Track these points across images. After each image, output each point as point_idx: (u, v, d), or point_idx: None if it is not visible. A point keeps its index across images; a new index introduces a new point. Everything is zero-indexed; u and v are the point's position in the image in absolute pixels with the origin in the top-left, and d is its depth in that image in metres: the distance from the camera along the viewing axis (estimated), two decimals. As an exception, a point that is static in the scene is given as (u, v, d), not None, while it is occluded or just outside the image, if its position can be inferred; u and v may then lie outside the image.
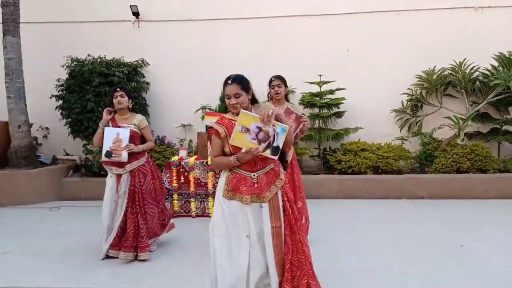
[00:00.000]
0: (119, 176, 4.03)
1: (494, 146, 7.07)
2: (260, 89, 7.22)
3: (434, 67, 7.05)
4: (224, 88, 2.62)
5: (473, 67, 6.82)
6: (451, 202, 6.09)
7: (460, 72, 6.87)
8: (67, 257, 4.08)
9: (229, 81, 2.57)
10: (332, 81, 7.05)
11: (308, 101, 7.08)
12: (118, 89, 4.09)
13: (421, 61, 7.25)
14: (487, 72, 6.75)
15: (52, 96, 7.18)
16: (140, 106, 7.27)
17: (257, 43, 7.66)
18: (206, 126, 4.80)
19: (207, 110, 7.26)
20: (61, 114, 7.13)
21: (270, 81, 4.13)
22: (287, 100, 4.26)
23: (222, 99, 7.26)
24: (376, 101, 7.42)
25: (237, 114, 2.53)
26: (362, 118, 7.31)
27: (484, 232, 4.63)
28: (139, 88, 7.37)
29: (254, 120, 2.52)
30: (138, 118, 4.18)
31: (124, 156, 3.95)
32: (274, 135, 2.54)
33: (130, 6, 7.61)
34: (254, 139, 2.53)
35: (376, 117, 7.40)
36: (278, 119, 2.54)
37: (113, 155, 3.94)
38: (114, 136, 3.95)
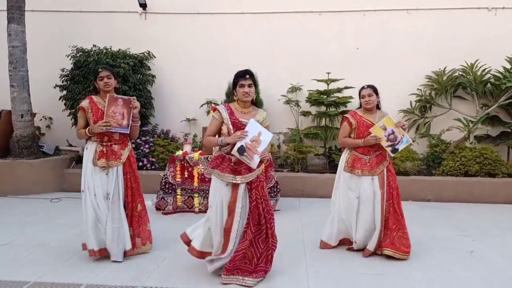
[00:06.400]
0: (235, 185, 3.23)
1: (503, 150, 6.95)
2: (267, 85, 7.20)
3: (444, 68, 6.92)
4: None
5: (485, 69, 6.69)
6: (458, 206, 6.00)
7: (471, 74, 6.75)
8: (68, 251, 3.97)
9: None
10: (341, 79, 6.94)
11: (315, 99, 6.97)
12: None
13: (431, 61, 7.13)
14: (499, 75, 6.63)
15: (56, 86, 7.11)
16: (145, 99, 7.18)
17: (265, 39, 7.54)
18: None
19: (213, 105, 7.16)
20: (65, 104, 7.06)
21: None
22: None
23: (228, 94, 7.17)
24: (384, 100, 7.14)
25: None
26: (370, 118, 7.20)
27: (494, 237, 4.53)
28: (144, 81, 7.28)
29: (392, 125, 3.77)
30: (262, 114, 3.39)
31: (255, 161, 3.16)
32: (399, 141, 3.77)
33: (138, -3, 7.52)
34: (386, 136, 3.76)
35: (384, 117, 7.28)
36: (404, 128, 3.80)
37: (244, 154, 3.14)
38: (255, 134, 3.16)
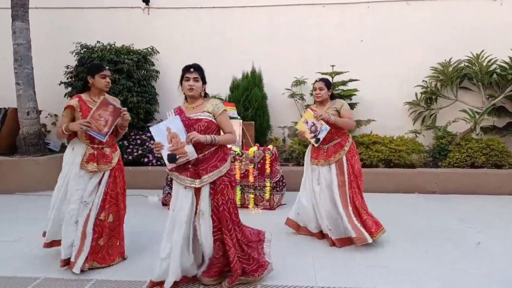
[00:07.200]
0: (197, 190, 3.03)
1: (510, 141, 6.89)
2: (271, 79, 7.18)
3: (450, 59, 6.87)
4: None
5: (491, 59, 6.63)
6: (464, 198, 5.97)
7: (476, 65, 6.69)
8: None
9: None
10: (345, 72, 6.91)
11: (320, 92, 6.94)
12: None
13: (436, 52, 7.07)
14: (505, 65, 6.57)
15: (61, 83, 7.13)
16: (149, 95, 7.20)
17: (269, 32, 7.52)
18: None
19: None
20: (70, 101, 7.08)
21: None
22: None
23: (232, 89, 7.17)
24: (389, 93, 7.27)
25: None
26: (375, 110, 7.17)
27: (500, 229, 4.51)
28: (148, 77, 7.29)
29: (312, 118, 3.97)
30: (213, 102, 3.12)
31: (191, 151, 2.93)
32: (320, 131, 3.96)
33: (140, -8, 7.51)
34: (308, 129, 4.03)
35: (389, 110, 7.26)
36: (325, 120, 3.89)
37: (178, 157, 2.96)
38: (165, 134, 2.96)
